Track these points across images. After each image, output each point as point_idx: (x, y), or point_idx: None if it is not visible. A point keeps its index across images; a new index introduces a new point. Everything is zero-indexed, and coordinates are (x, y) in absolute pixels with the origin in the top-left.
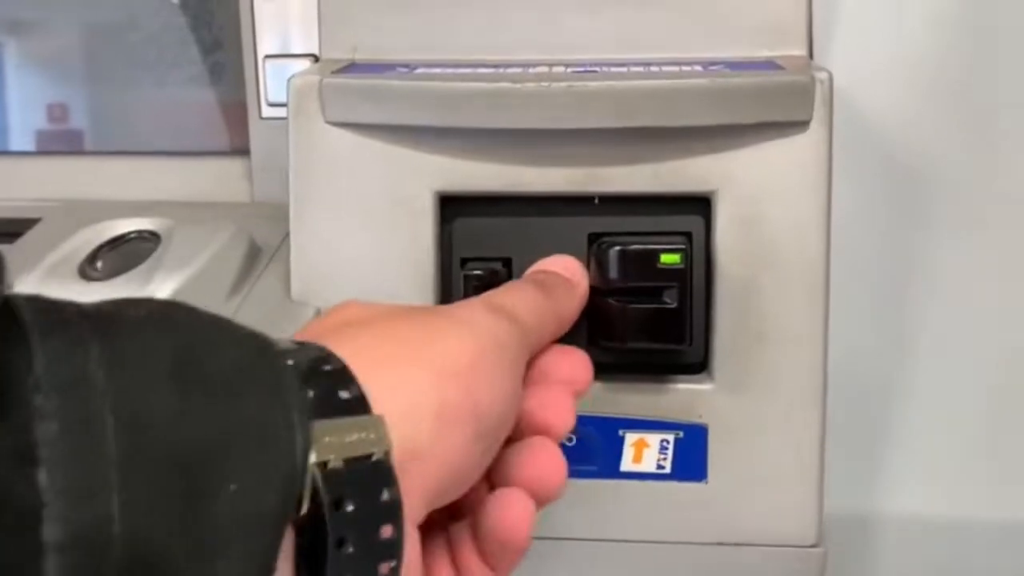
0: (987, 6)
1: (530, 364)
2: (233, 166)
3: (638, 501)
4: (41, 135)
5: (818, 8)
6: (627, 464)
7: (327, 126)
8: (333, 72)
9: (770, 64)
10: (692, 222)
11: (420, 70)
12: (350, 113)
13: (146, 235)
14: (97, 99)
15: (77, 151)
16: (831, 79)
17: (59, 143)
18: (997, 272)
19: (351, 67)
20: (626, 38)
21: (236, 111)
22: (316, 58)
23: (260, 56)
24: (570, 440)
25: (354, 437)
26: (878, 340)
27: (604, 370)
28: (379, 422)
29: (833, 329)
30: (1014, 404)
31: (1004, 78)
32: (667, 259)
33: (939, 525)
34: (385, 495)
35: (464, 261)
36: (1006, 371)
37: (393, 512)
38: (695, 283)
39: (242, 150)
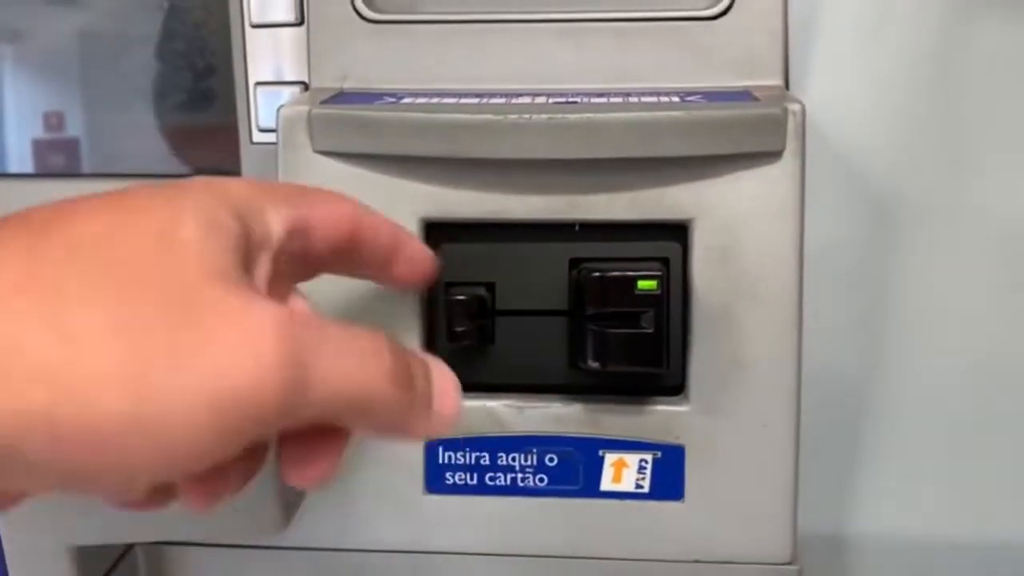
0: (961, 37)
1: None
2: None
3: (617, 519)
4: (38, 144)
5: (795, 39)
6: (607, 483)
7: (316, 155)
8: (322, 102)
9: (746, 94)
10: (669, 248)
11: (407, 99)
12: (338, 143)
13: None
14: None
15: (69, 174)
16: (803, 110)
17: (55, 152)
18: (969, 297)
19: (339, 96)
20: (608, 69)
21: (228, 135)
22: (306, 86)
23: (251, 83)
24: (551, 460)
25: None
26: (852, 362)
27: (584, 391)
28: None
29: (808, 351)
30: (987, 425)
31: (976, 108)
32: (644, 285)
33: (912, 544)
34: None
35: (449, 285)
36: (979, 392)
37: None
38: (672, 308)
39: (234, 173)
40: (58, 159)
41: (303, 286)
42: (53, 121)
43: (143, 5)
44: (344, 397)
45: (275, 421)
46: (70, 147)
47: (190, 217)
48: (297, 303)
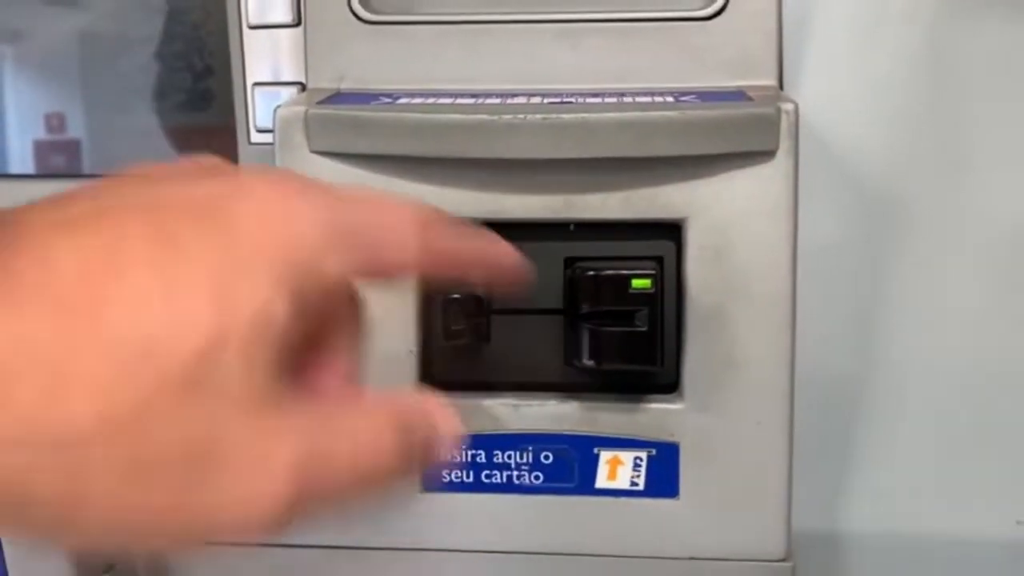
0: (955, 37)
1: None
2: None
3: (613, 517)
4: (39, 145)
5: (789, 39)
6: (602, 481)
7: (312, 155)
8: (318, 102)
9: (740, 94)
10: (664, 247)
11: (403, 100)
12: (334, 143)
13: None
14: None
15: (69, 174)
16: (797, 110)
17: (56, 153)
18: (963, 297)
19: (336, 96)
20: (604, 69)
21: (228, 135)
22: (303, 86)
23: (249, 83)
24: (547, 457)
25: None
26: (847, 361)
27: (580, 390)
28: None
29: (803, 350)
30: (980, 423)
31: (970, 108)
32: (638, 284)
33: (905, 541)
34: None
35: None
36: (972, 391)
37: None
38: (666, 306)
39: None
40: (59, 160)
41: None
42: (54, 122)
43: (143, 6)
44: (345, 495)
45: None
46: (71, 148)
47: (238, 327)
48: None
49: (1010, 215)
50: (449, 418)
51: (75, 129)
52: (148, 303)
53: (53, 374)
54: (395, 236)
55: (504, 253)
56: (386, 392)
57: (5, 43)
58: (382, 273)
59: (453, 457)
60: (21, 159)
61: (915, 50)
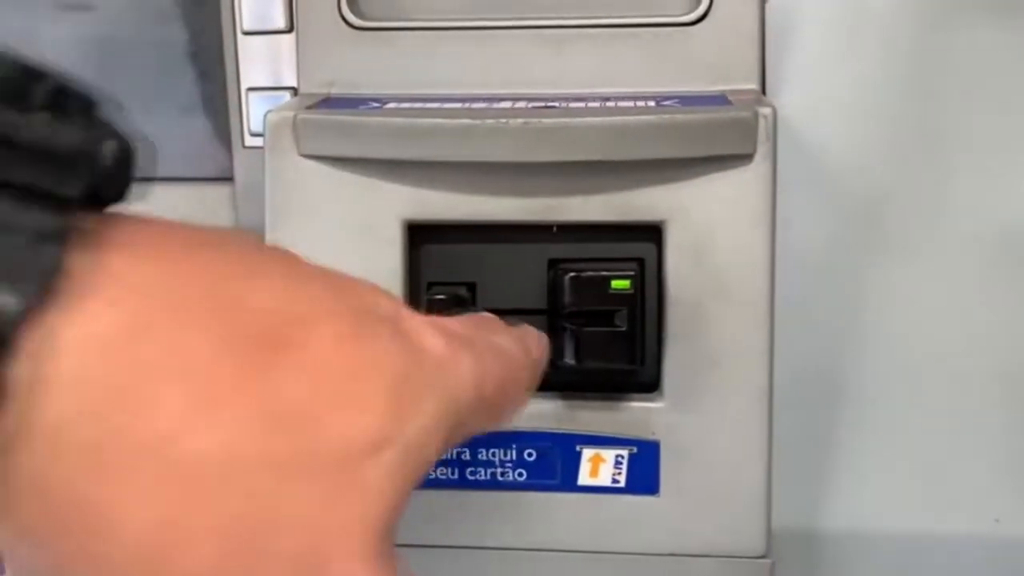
0: (939, 40)
1: None
2: (218, 192)
3: (594, 513)
4: None
5: (772, 42)
6: (584, 478)
7: (301, 159)
8: (308, 107)
9: (721, 99)
10: (645, 249)
11: (391, 105)
12: (323, 147)
13: None
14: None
15: None
16: (775, 114)
17: None
18: (946, 296)
19: (325, 101)
20: (588, 74)
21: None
22: (296, 91)
23: (243, 88)
24: (530, 455)
25: None
26: (828, 360)
27: (562, 388)
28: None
29: (784, 349)
30: (963, 421)
31: (953, 109)
32: (618, 284)
33: (884, 538)
34: None
35: (431, 285)
36: (955, 389)
37: None
38: (647, 307)
39: (227, 177)
40: None
41: None
42: None
43: (155, 10)
44: None
45: None
46: None
47: (393, 438)
48: None
49: (992, 217)
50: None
51: None
52: (325, 380)
53: (201, 396)
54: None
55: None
56: None
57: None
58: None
59: None
60: None
61: (898, 53)
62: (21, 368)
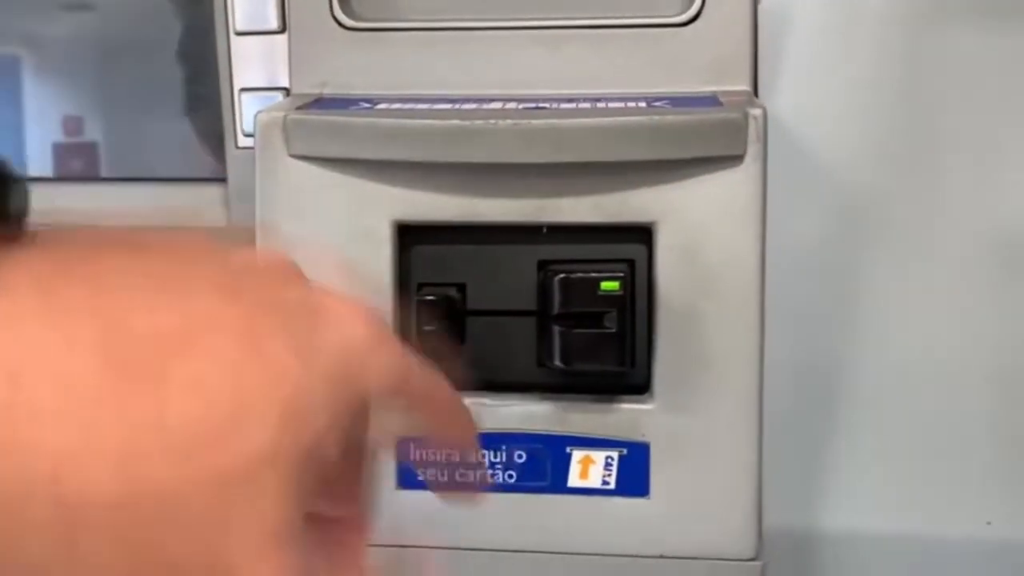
0: (931, 43)
1: None
2: (211, 192)
3: (584, 515)
4: (58, 148)
5: (765, 43)
6: (574, 480)
7: (291, 159)
8: (298, 108)
9: (712, 99)
10: (635, 250)
11: (382, 105)
12: (313, 148)
13: None
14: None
15: (88, 178)
16: (765, 115)
17: (75, 156)
18: (936, 298)
19: (317, 102)
20: (581, 75)
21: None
22: (288, 91)
23: (236, 89)
24: (520, 456)
25: None
26: (820, 362)
27: (553, 390)
28: None
29: (776, 350)
30: (950, 424)
31: (945, 110)
32: (607, 286)
33: (876, 541)
34: None
35: (421, 286)
36: (942, 393)
37: None
38: (637, 308)
39: (221, 178)
40: (77, 163)
41: None
42: (72, 126)
43: (158, 10)
44: None
45: None
46: (88, 151)
47: (291, 453)
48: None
49: (983, 218)
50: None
51: (92, 132)
52: (216, 396)
53: (85, 428)
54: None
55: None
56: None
57: (23, 47)
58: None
59: None
60: (40, 162)
61: (890, 55)
62: None
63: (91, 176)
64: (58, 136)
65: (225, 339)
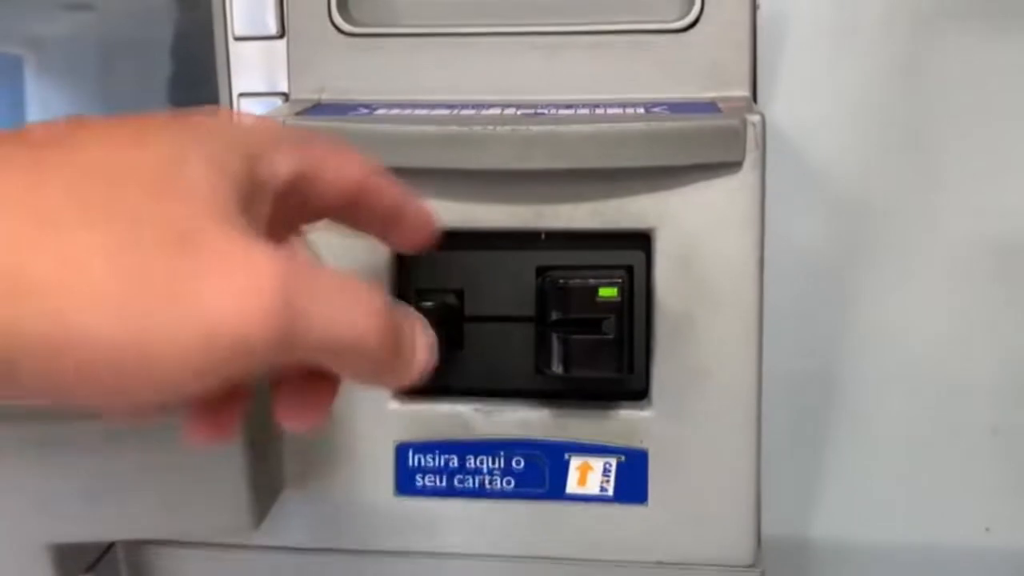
0: (930, 48)
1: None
2: None
3: (582, 522)
4: None
5: (764, 49)
6: (572, 486)
7: None
8: (297, 114)
9: (711, 106)
10: (633, 256)
11: (380, 111)
12: None
13: None
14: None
15: None
16: (764, 122)
17: None
18: (934, 305)
19: (315, 108)
20: (579, 80)
21: None
22: (287, 96)
23: (235, 94)
24: (518, 463)
25: None
26: (818, 368)
27: (551, 396)
28: None
29: (773, 357)
30: (949, 431)
31: (943, 117)
32: (605, 293)
33: (874, 548)
34: None
35: (419, 292)
36: (941, 399)
37: None
38: (636, 314)
39: None
40: None
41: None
42: None
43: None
44: (332, 345)
45: (264, 359)
46: None
47: (197, 155)
48: (297, 247)
49: (982, 224)
50: (427, 346)
51: None
52: (120, 149)
53: (36, 213)
54: (338, 154)
55: (424, 211)
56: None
57: (25, 47)
58: (323, 188)
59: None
60: None
61: (889, 61)
62: None
63: None
64: None
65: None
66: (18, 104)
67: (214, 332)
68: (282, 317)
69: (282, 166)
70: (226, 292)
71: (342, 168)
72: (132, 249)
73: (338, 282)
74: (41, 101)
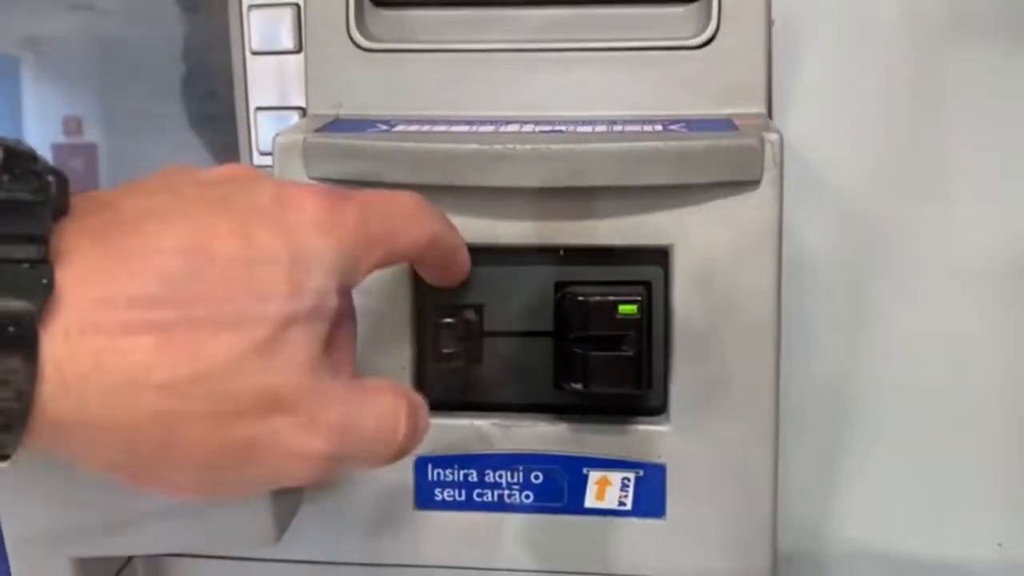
0: (944, 64)
1: None
2: None
3: (601, 536)
4: (57, 149)
5: (779, 65)
6: (591, 500)
7: (310, 181)
8: (316, 130)
9: (728, 123)
10: (652, 272)
11: (399, 127)
12: (331, 169)
13: None
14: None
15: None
16: (781, 140)
17: (75, 157)
18: (949, 319)
19: (334, 123)
20: (596, 97)
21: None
22: (304, 111)
23: (252, 108)
24: (537, 477)
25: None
26: (833, 383)
27: (569, 411)
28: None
29: (788, 371)
30: (961, 446)
31: (959, 133)
32: (625, 309)
33: (887, 563)
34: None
35: (438, 307)
36: (954, 415)
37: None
38: (655, 330)
39: None
40: (77, 163)
41: None
42: (72, 126)
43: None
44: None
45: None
46: (88, 152)
47: (304, 307)
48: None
49: (999, 240)
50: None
51: (92, 133)
52: (236, 284)
53: (161, 331)
54: (411, 225)
55: (465, 257)
56: (391, 382)
57: (24, 47)
58: (393, 260)
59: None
60: None
61: (903, 77)
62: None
63: (91, 177)
64: (58, 137)
65: (229, 238)
66: (15, 104)
67: (273, 484)
68: (329, 469)
69: (363, 270)
70: (288, 456)
71: (412, 234)
72: (228, 406)
73: (373, 415)
74: (38, 100)
